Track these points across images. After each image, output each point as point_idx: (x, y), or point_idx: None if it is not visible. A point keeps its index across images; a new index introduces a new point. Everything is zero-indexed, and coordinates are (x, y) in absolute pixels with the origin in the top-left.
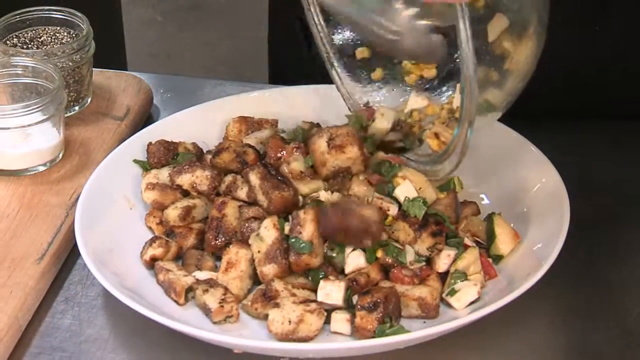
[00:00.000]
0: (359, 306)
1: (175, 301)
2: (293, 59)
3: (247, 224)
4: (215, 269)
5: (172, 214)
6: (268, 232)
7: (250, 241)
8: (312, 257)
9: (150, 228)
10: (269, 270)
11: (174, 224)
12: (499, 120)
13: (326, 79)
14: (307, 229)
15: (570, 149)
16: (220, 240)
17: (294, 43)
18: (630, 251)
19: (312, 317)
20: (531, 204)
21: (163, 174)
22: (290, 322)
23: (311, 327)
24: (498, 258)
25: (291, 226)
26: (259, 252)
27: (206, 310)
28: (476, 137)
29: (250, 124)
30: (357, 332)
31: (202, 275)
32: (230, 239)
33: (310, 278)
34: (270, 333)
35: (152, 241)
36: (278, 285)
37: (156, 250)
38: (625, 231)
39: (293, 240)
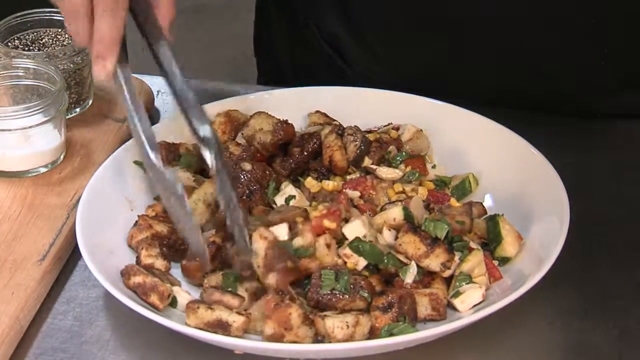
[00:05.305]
0: (374, 307)
1: (156, 305)
2: (284, 59)
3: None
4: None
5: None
6: (258, 244)
7: None
8: (311, 260)
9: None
10: (271, 279)
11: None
12: (498, 121)
13: (326, 79)
14: (306, 238)
15: (570, 149)
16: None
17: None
18: (629, 251)
19: (364, 319)
20: (531, 204)
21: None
22: (348, 325)
23: (364, 330)
24: (505, 260)
25: (290, 236)
26: (258, 267)
27: (223, 325)
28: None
29: (235, 123)
30: (372, 333)
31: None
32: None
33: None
34: (332, 340)
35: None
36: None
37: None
38: (625, 231)
39: (291, 246)
